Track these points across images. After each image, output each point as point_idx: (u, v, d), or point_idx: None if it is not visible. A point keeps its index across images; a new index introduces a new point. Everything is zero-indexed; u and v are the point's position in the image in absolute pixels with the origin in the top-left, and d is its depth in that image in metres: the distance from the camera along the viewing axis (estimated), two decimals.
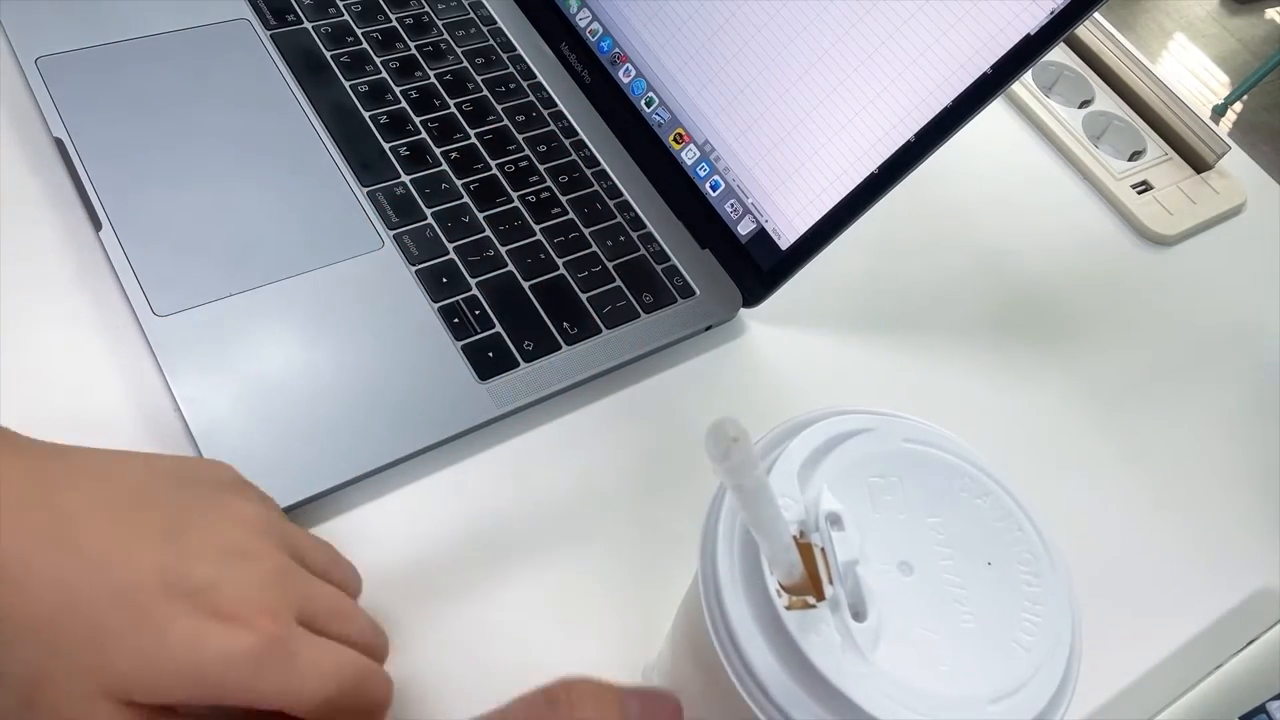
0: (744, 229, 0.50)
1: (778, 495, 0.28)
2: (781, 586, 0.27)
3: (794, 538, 0.27)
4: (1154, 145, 0.66)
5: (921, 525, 0.29)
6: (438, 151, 0.51)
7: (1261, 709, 0.42)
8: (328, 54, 0.53)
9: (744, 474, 0.25)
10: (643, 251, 0.51)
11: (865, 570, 0.27)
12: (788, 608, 0.26)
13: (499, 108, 0.54)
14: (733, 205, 0.51)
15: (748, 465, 0.25)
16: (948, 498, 0.29)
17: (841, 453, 0.30)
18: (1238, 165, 0.68)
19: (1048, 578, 0.28)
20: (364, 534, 0.41)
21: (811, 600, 0.27)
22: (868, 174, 0.46)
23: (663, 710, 0.28)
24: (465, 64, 0.55)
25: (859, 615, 0.27)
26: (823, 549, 0.27)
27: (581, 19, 0.56)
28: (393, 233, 0.48)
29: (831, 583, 0.27)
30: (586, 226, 0.51)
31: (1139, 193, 0.64)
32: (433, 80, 0.54)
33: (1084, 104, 0.68)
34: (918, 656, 0.26)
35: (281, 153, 0.49)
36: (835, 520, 0.28)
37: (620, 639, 0.41)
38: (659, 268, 0.50)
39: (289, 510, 0.39)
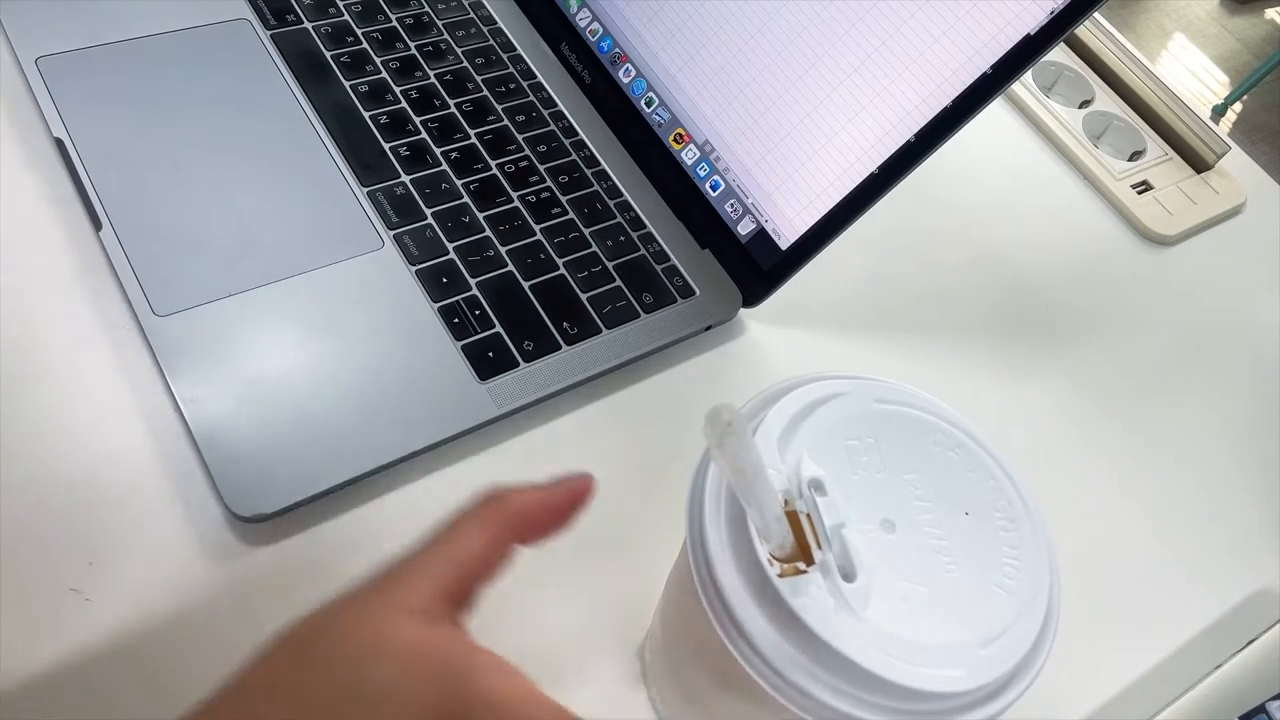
0: (744, 229, 0.50)
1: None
2: (772, 556, 0.27)
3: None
4: (1154, 145, 0.66)
5: (899, 482, 0.29)
6: (438, 151, 0.51)
7: (1261, 709, 0.42)
8: (328, 54, 0.53)
9: (740, 457, 0.25)
10: (643, 251, 0.51)
11: (850, 532, 0.28)
12: (780, 575, 0.27)
13: (499, 108, 0.54)
14: (733, 205, 0.51)
15: (744, 449, 0.25)
16: (922, 453, 0.30)
17: (817, 419, 0.30)
18: (1238, 165, 0.67)
19: (1023, 522, 0.29)
20: (365, 534, 0.41)
21: (802, 566, 0.27)
22: (868, 174, 0.46)
23: (566, 487, 0.29)
24: (465, 64, 0.55)
25: (849, 576, 0.27)
26: (808, 515, 0.28)
27: (581, 19, 0.56)
28: (393, 233, 0.48)
29: (820, 547, 0.27)
30: (586, 226, 0.51)
31: (1139, 193, 0.64)
32: (433, 80, 0.54)
33: (1084, 104, 0.68)
34: (908, 610, 0.27)
35: (282, 153, 0.49)
36: (818, 486, 0.29)
37: (620, 639, 0.41)
38: (659, 268, 0.50)
39: (287, 511, 0.40)
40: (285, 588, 0.39)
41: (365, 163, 0.50)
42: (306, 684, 0.25)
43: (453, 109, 0.53)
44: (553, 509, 0.29)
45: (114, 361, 0.42)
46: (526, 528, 0.29)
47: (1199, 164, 0.66)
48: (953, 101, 0.43)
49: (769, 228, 0.49)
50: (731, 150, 0.50)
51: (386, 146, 0.50)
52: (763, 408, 0.31)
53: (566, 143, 0.54)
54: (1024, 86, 0.67)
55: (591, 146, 0.54)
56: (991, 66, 0.42)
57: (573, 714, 0.26)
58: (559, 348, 0.46)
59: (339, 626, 0.26)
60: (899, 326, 0.54)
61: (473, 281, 0.47)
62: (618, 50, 0.55)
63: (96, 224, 0.44)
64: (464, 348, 0.45)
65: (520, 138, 0.53)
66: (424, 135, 0.51)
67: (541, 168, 0.52)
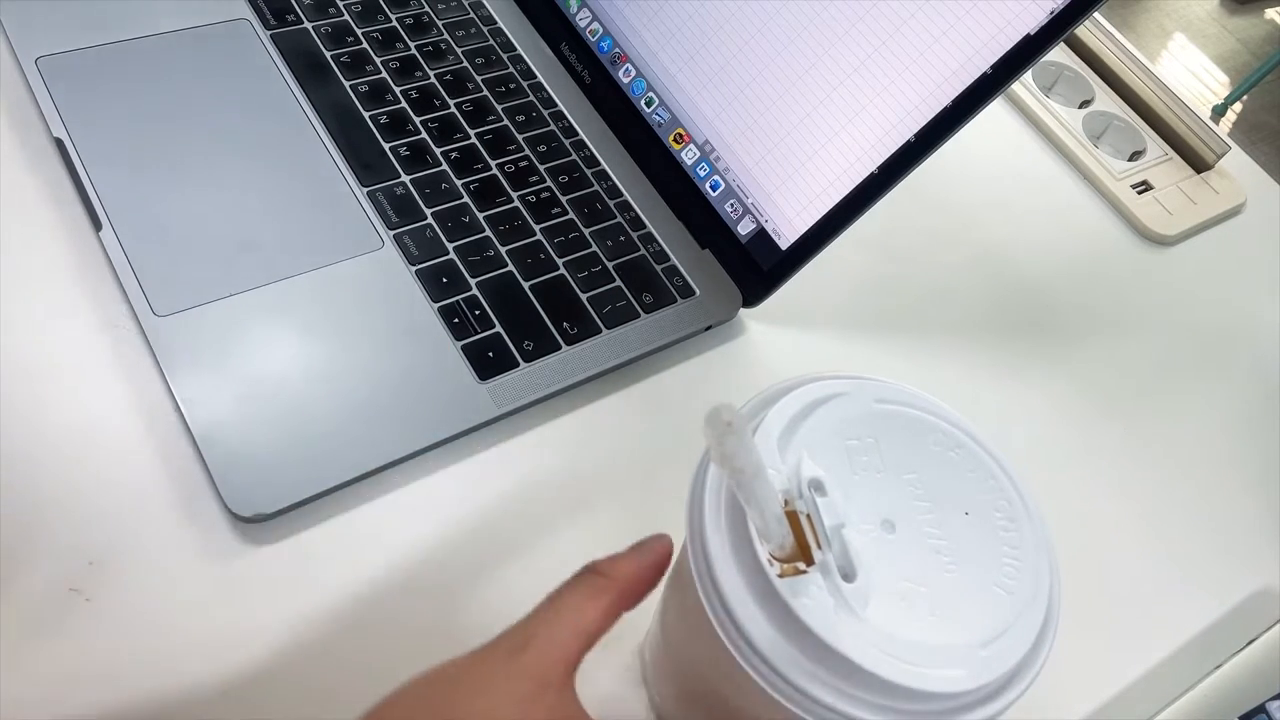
0: (744, 229, 0.50)
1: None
2: (772, 556, 0.27)
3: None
4: (1154, 145, 0.66)
5: (899, 482, 0.29)
6: (438, 151, 0.51)
7: (1261, 709, 0.42)
8: (328, 54, 0.53)
9: (741, 457, 0.25)
10: (643, 251, 0.51)
11: (850, 532, 0.28)
12: (780, 575, 0.27)
13: (499, 108, 0.54)
14: (733, 205, 0.51)
15: (744, 450, 0.25)
16: (922, 453, 0.30)
17: (817, 419, 0.30)
18: (1238, 165, 0.67)
19: (1023, 522, 0.29)
20: (365, 534, 0.41)
21: (802, 566, 0.27)
22: (868, 174, 0.46)
23: (655, 552, 0.32)
24: (465, 64, 0.55)
25: (848, 576, 0.27)
26: (808, 515, 0.28)
27: (581, 19, 0.56)
28: (393, 233, 0.48)
29: (820, 548, 0.27)
30: (586, 226, 0.51)
31: (1139, 193, 0.64)
32: (433, 80, 0.54)
33: (1084, 104, 0.68)
34: (908, 610, 0.27)
35: (282, 153, 0.49)
36: (818, 486, 0.29)
37: (620, 639, 0.41)
38: (659, 268, 0.50)
39: (287, 511, 0.40)
40: (285, 588, 0.39)
41: (365, 163, 0.50)
42: None
43: (453, 109, 0.53)
44: (651, 578, 0.31)
45: (114, 361, 0.42)
46: (632, 597, 0.31)
47: (1199, 164, 0.66)
48: (953, 101, 0.43)
49: (769, 228, 0.49)
50: (731, 150, 0.50)
51: (386, 146, 0.50)
52: (763, 408, 0.31)
53: (566, 143, 0.54)
54: (1024, 86, 0.67)
55: (591, 146, 0.54)
56: (991, 66, 0.42)
57: None
58: (559, 348, 0.46)
59: (469, 683, 0.28)
60: (899, 326, 0.54)
61: (473, 281, 0.47)
62: (618, 50, 0.55)
63: (96, 224, 0.44)
64: (464, 348, 0.45)
65: (520, 138, 0.53)
66: (424, 135, 0.51)
67: (541, 168, 0.52)
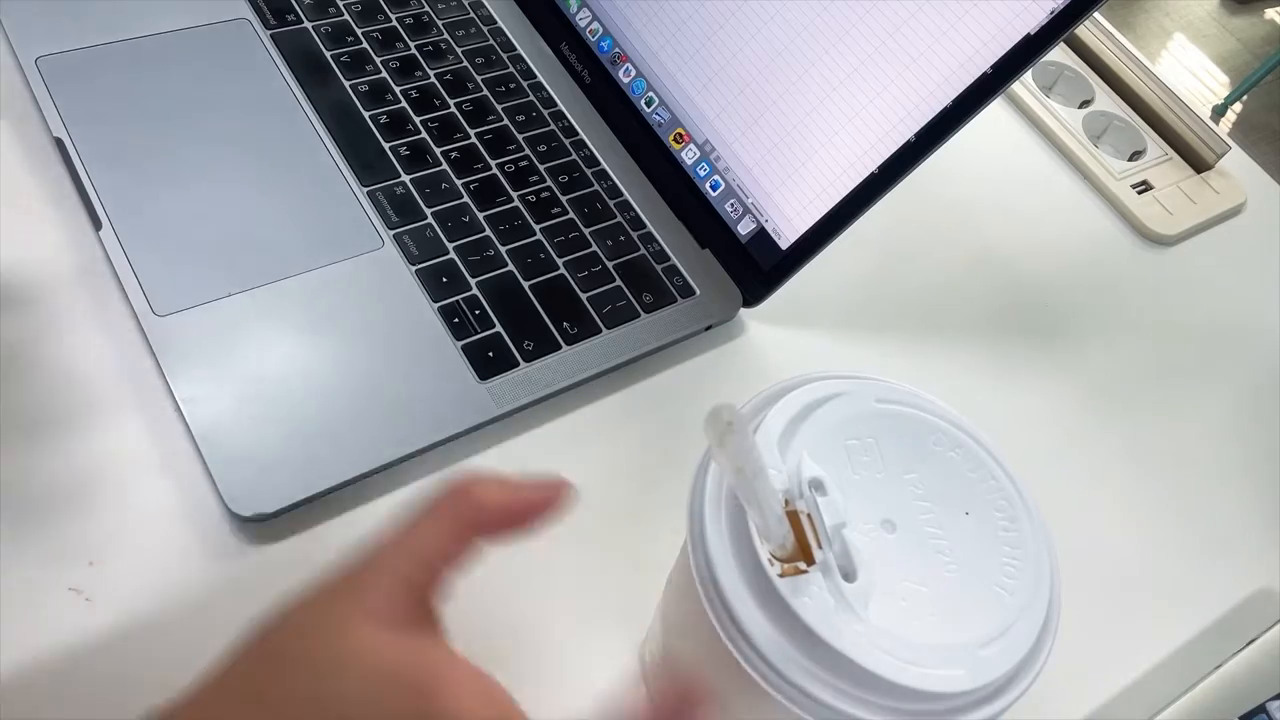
0: (744, 229, 0.50)
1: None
2: (773, 556, 0.27)
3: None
4: (1154, 145, 0.66)
5: (900, 482, 0.30)
6: (438, 151, 0.51)
7: (1261, 709, 0.42)
8: (328, 54, 0.53)
9: (741, 457, 0.25)
10: (643, 251, 0.51)
11: (851, 532, 0.28)
12: (781, 575, 0.27)
13: (499, 107, 0.54)
14: (733, 205, 0.51)
15: (744, 449, 0.25)
16: (922, 453, 0.30)
17: (817, 419, 0.30)
18: (1238, 165, 0.67)
19: (1023, 522, 0.30)
20: (365, 534, 0.41)
21: (803, 566, 0.27)
22: (868, 174, 0.46)
23: (539, 489, 0.28)
24: (465, 64, 0.55)
25: (849, 576, 0.27)
26: (809, 515, 0.28)
27: (581, 19, 0.56)
28: (393, 233, 0.48)
29: (820, 547, 0.27)
30: (586, 226, 0.51)
31: (1139, 193, 0.64)
32: (433, 80, 0.54)
33: (1084, 104, 0.68)
34: (908, 610, 0.27)
35: (282, 153, 0.49)
36: (818, 486, 0.29)
37: (620, 639, 0.41)
38: (659, 267, 0.50)
39: (287, 511, 0.39)
40: (285, 588, 0.39)
41: (365, 162, 0.50)
42: (275, 693, 0.25)
43: (453, 109, 0.53)
44: (516, 512, 0.28)
45: (114, 361, 0.42)
46: (490, 525, 0.27)
47: (1199, 164, 0.66)
48: (953, 101, 0.43)
49: (769, 227, 0.49)
50: (731, 150, 0.50)
51: (386, 146, 0.50)
52: (763, 408, 0.31)
53: (566, 142, 0.54)
54: (1024, 86, 0.67)
55: (591, 146, 0.54)
56: (991, 66, 0.42)
57: None
58: (559, 347, 0.46)
59: (307, 630, 0.26)
60: (899, 326, 0.54)
61: (473, 281, 0.47)
62: (618, 50, 0.55)
63: (96, 224, 0.44)
64: (464, 348, 0.45)
65: (520, 137, 0.53)
66: (424, 135, 0.51)
67: (541, 167, 0.52)
